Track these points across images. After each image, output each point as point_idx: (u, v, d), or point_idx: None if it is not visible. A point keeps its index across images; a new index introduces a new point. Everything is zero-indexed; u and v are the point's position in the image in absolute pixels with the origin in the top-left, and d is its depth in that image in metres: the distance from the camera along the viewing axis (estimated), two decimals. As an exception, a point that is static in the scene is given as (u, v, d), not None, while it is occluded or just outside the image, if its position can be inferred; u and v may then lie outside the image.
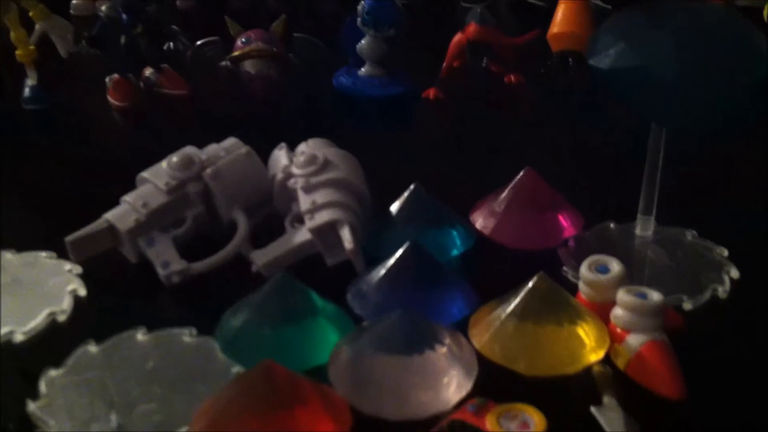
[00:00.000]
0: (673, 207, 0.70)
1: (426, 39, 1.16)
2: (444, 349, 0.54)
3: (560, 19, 1.01)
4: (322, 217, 0.66)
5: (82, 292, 0.65)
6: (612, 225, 0.72)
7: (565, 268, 0.66)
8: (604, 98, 0.97)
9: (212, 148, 0.72)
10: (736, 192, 0.79)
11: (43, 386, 0.54)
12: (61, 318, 0.62)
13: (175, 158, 0.69)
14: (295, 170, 0.69)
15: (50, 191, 0.82)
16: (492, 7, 1.25)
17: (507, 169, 0.74)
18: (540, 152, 0.89)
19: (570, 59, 1.00)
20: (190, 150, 0.71)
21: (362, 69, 1.02)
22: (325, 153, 0.70)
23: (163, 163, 0.70)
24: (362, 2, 0.97)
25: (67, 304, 0.63)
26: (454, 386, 0.53)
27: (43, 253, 0.69)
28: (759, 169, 0.83)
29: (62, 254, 0.68)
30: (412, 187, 0.69)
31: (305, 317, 0.57)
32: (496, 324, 0.57)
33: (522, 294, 0.57)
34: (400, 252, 0.61)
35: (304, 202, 0.67)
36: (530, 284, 0.57)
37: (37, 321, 0.61)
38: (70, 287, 0.65)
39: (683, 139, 0.71)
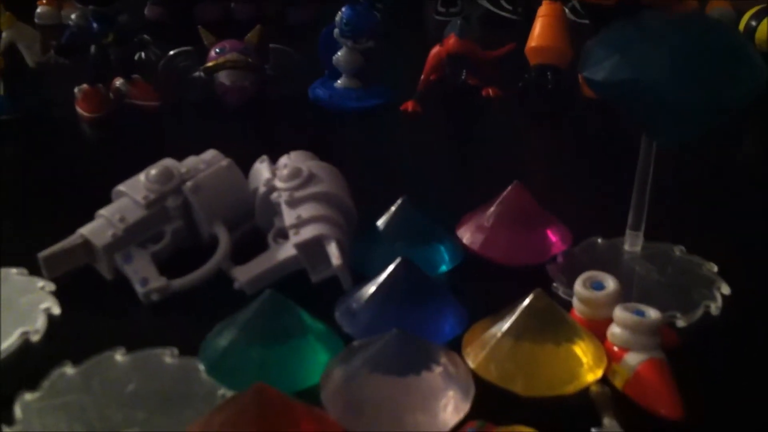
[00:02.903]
0: (659, 222, 0.69)
1: (399, 50, 1.15)
2: (440, 369, 0.52)
3: (538, 33, 1.00)
4: (308, 232, 0.64)
5: (56, 310, 0.62)
6: (599, 240, 0.71)
7: (555, 285, 0.65)
8: (588, 112, 0.97)
9: (191, 161, 0.69)
10: (723, 207, 0.79)
11: (18, 411, 0.52)
12: (35, 338, 0.59)
13: (153, 171, 0.67)
14: (278, 184, 0.67)
15: (19, 204, 0.79)
16: (465, 20, 1.25)
17: (488, 184, 0.72)
18: (521, 166, 0.89)
19: (548, 73, 0.99)
20: (168, 162, 0.68)
21: (338, 81, 1.00)
22: (308, 166, 0.68)
23: (141, 176, 0.67)
24: (340, 13, 0.95)
25: (41, 323, 0.60)
26: (451, 408, 0.51)
27: (14, 270, 0.66)
28: (746, 185, 0.83)
29: (34, 271, 0.65)
30: (399, 201, 0.67)
31: (294, 336, 0.55)
32: (491, 343, 0.55)
33: (518, 312, 0.55)
34: (390, 268, 0.59)
35: (289, 216, 0.65)
36: (526, 302, 0.55)
37: (10, 341, 0.58)
38: (43, 305, 0.62)
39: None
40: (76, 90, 0.96)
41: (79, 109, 0.95)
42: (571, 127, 0.99)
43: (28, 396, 0.53)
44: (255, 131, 0.95)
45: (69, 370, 0.55)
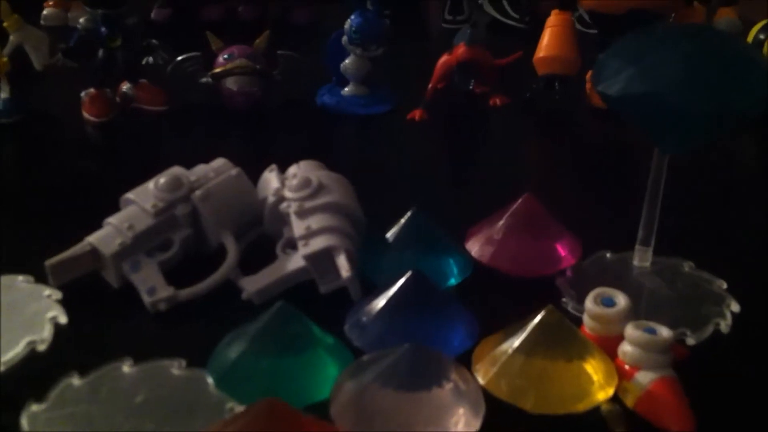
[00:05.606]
0: (669, 237, 0.69)
1: (405, 57, 1.15)
2: (450, 385, 0.51)
3: (547, 43, 1.00)
4: (318, 243, 0.63)
5: (63, 319, 0.61)
6: (608, 254, 0.70)
7: (564, 299, 0.65)
8: (595, 122, 0.97)
9: (201, 169, 0.69)
10: (733, 224, 0.78)
11: (24, 422, 0.51)
12: (41, 347, 0.58)
13: (162, 179, 0.67)
14: (288, 194, 0.67)
15: (24, 210, 0.78)
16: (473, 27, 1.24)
17: (495, 194, 0.72)
18: (528, 177, 0.88)
19: (556, 83, 0.99)
20: (178, 171, 0.68)
21: (346, 88, 1.00)
22: (318, 176, 0.68)
23: (150, 184, 0.67)
24: (349, 20, 0.95)
25: (47, 332, 0.59)
26: (461, 425, 0.50)
27: (20, 277, 0.65)
28: (756, 202, 0.83)
29: (40, 278, 0.65)
30: (410, 212, 0.67)
31: (305, 349, 0.55)
32: (502, 359, 0.55)
33: (530, 328, 0.55)
34: (401, 281, 0.58)
35: (298, 227, 0.65)
36: (538, 318, 0.55)
37: (16, 351, 0.57)
38: (50, 314, 0.61)
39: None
40: (82, 94, 0.96)
41: (85, 113, 0.95)
42: (578, 138, 0.99)
43: (35, 407, 0.52)
44: (261, 136, 0.94)
45: (76, 380, 0.54)
